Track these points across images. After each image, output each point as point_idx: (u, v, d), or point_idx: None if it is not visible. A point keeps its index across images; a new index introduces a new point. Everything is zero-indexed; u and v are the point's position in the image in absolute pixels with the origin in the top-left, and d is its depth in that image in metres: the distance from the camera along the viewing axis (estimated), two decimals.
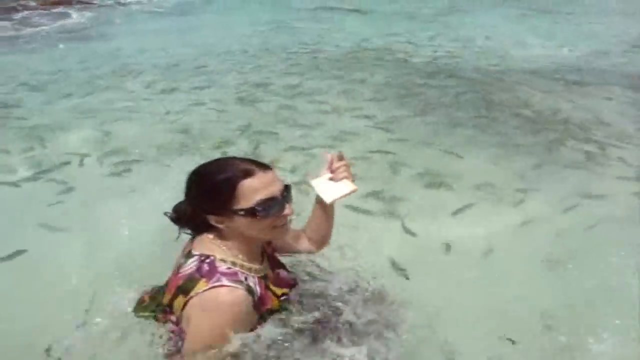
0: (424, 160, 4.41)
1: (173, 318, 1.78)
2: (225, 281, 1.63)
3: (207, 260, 1.68)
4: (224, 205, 1.64)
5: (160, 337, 1.88)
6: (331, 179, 2.02)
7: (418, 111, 5.64)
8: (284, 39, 9.66)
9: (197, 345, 1.62)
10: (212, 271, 1.64)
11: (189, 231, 1.86)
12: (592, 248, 3.15)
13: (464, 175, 4.14)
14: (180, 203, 1.80)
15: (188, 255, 1.75)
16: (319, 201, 2.09)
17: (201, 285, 1.62)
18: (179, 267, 1.76)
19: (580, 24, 11.19)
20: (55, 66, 7.95)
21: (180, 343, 1.74)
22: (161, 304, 1.84)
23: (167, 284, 1.84)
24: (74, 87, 6.72)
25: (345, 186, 1.99)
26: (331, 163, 2.02)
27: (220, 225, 1.70)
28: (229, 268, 1.67)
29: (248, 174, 1.64)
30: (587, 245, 3.19)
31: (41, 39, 10.58)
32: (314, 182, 2.03)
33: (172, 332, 1.80)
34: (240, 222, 1.66)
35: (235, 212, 1.64)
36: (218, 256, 1.69)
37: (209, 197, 1.66)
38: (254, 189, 1.63)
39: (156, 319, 1.89)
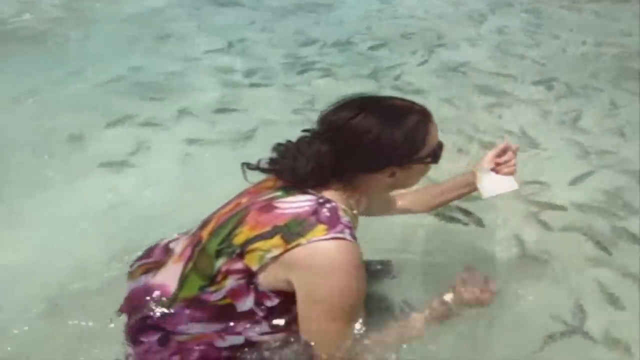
0: None
1: (239, 266, 1.33)
2: (349, 236, 1.29)
3: (328, 205, 1.33)
4: (411, 156, 1.41)
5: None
6: (493, 169, 1.82)
7: None
8: None
9: (322, 307, 1.28)
10: (335, 219, 1.30)
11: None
12: None
13: None
14: (300, 160, 1.36)
15: (290, 190, 1.38)
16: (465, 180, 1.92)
17: (320, 232, 1.26)
18: (267, 199, 1.37)
19: None
20: None
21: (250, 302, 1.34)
22: (228, 242, 1.35)
23: (236, 219, 1.38)
24: None
25: (508, 183, 1.81)
26: (502, 152, 1.82)
27: (387, 180, 1.43)
28: (350, 222, 1.33)
29: (427, 113, 1.44)
30: None
31: None
32: (479, 172, 1.81)
33: (230, 272, 1.35)
34: (414, 171, 1.46)
35: (418, 161, 1.42)
36: (341, 205, 1.36)
37: (404, 148, 1.38)
38: (435, 132, 1.45)
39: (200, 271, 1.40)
